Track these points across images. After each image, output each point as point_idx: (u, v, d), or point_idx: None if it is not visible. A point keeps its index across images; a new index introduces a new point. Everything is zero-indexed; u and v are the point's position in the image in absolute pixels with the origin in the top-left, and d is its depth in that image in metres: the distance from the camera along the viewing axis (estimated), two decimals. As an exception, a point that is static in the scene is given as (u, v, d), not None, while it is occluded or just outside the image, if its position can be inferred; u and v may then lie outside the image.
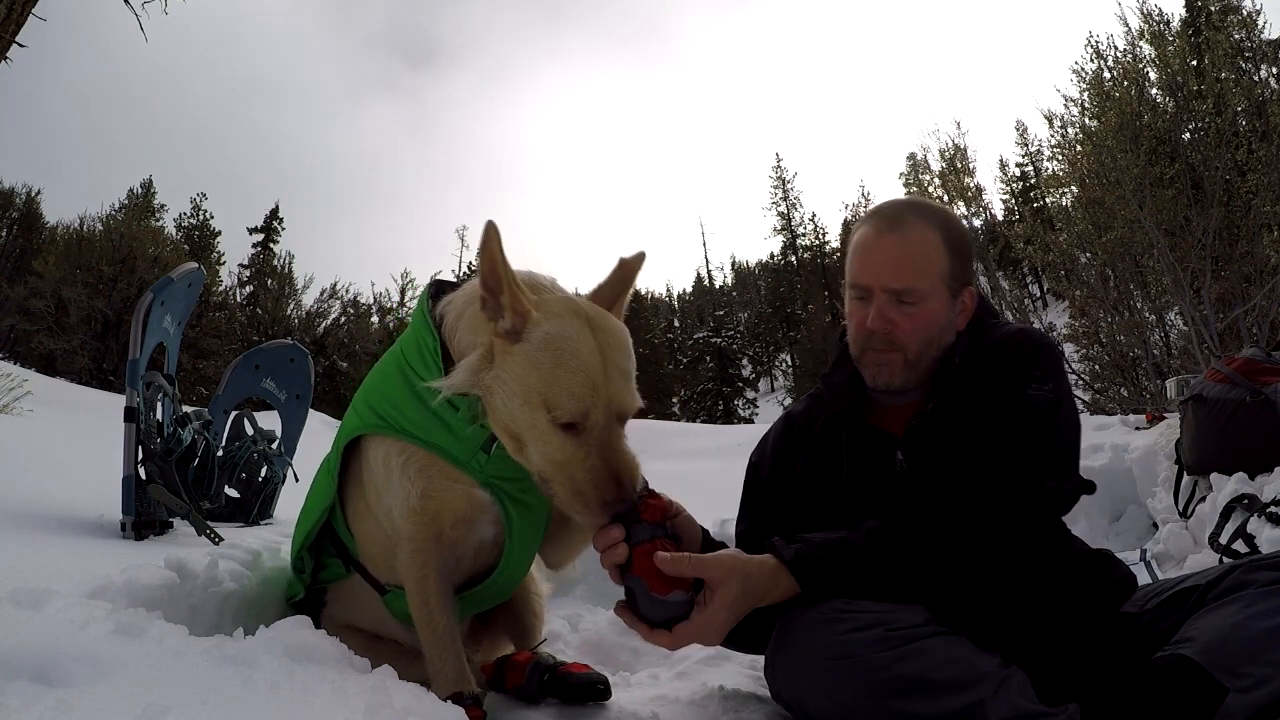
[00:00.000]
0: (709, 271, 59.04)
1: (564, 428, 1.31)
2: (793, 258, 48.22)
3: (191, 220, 39.19)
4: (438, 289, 1.60)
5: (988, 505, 1.43)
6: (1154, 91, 13.30)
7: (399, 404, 1.50)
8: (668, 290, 66.58)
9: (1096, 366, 14.98)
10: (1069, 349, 14.69)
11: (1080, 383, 14.82)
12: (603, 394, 1.33)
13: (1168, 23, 13.98)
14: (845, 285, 1.71)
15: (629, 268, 1.54)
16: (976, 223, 20.19)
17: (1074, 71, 14.20)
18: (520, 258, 1.53)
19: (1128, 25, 13.95)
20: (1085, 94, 13.91)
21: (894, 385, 1.64)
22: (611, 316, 1.45)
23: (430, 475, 1.47)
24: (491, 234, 1.34)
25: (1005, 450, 1.48)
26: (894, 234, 1.61)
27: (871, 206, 1.75)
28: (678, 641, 1.34)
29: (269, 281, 36.14)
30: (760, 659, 1.50)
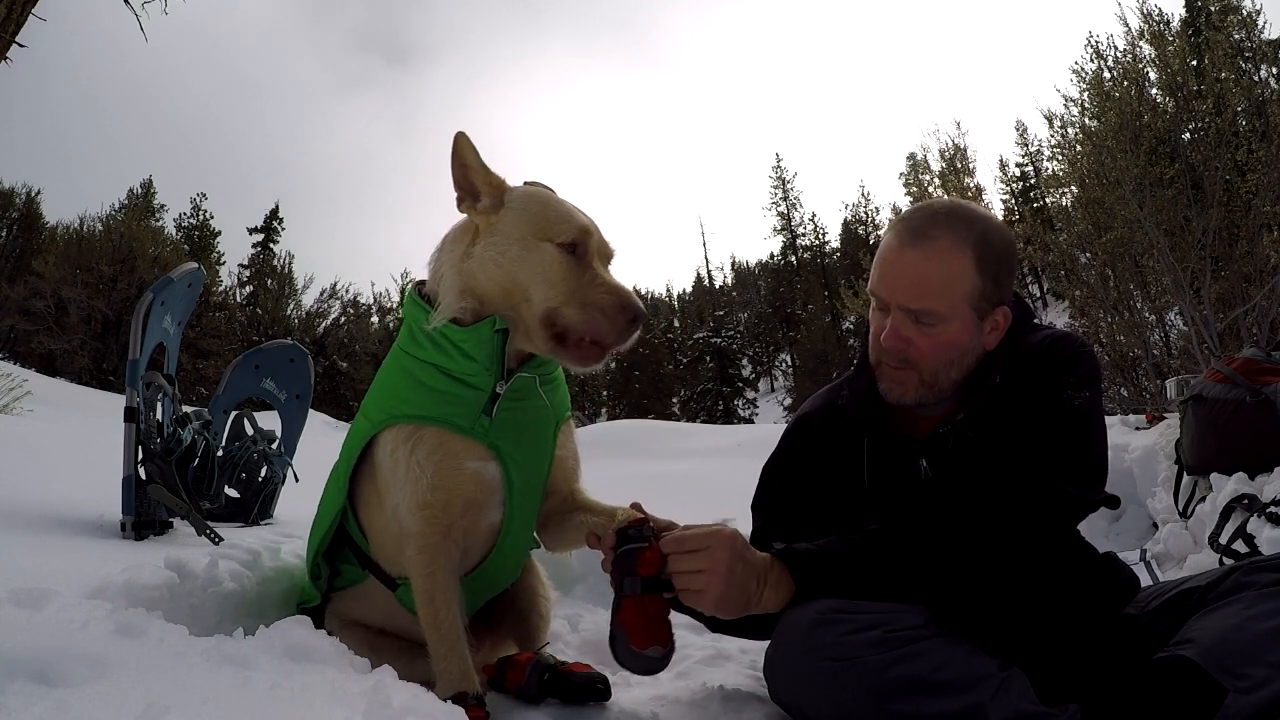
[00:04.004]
0: (709, 271, 59.12)
1: (569, 252, 1.45)
2: (793, 258, 48.23)
3: (191, 220, 39.24)
4: (420, 285, 1.62)
5: (1002, 508, 1.40)
6: (1154, 91, 13.26)
7: (398, 392, 1.54)
8: (667, 290, 66.75)
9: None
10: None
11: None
12: (591, 227, 1.50)
13: (1168, 23, 13.95)
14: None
15: None
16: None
17: (1074, 71, 14.18)
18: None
19: (1128, 25, 13.93)
20: (1085, 94, 13.87)
21: (907, 402, 1.57)
22: None
23: (438, 458, 1.48)
24: (463, 140, 1.49)
25: (1031, 454, 1.43)
26: (916, 249, 1.49)
27: (906, 209, 1.64)
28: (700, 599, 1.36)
29: (269, 281, 36.13)
30: (760, 659, 1.50)
